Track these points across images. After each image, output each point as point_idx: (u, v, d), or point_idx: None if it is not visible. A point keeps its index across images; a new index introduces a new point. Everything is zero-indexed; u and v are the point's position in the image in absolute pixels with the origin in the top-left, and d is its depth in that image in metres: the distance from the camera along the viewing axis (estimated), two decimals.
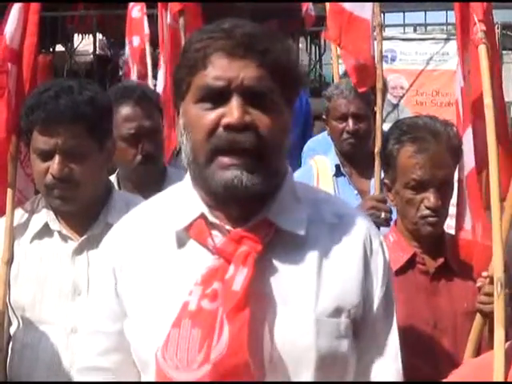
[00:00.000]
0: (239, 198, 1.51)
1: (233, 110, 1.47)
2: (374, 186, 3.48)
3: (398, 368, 1.66)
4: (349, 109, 3.56)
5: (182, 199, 1.61)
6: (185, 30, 3.88)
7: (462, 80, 2.43)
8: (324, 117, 3.74)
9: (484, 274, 2.28)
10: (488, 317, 2.25)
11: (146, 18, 5.73)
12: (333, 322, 1.54)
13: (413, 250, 2.49)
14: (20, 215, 2.44)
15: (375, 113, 3.52)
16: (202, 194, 1.57)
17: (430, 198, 2.43)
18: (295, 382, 1.52)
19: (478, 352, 2.27)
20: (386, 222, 3.10)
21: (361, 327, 1.60)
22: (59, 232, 2.34)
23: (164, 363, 1.48)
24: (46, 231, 2.36)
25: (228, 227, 1.54)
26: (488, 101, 2.13)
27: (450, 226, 2.65)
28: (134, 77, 5.67)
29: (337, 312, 1.55)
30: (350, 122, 3.55)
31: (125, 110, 3.00)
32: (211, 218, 1.56)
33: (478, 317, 2.31)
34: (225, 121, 1.47)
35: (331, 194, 1.94)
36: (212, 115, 1.49)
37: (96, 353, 1.67)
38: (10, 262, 2.38)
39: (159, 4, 4.38)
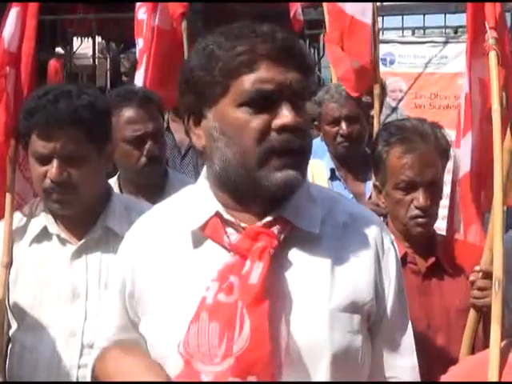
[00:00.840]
0: (281, 196, 1.56)
1: (287, 113, 1.51)
2: (369, 188, 3.51)
3: (413, 364, 1.69)
4: (341, 112, 3.58)
5: (196, 200, 1.64)
6: (187, 33, 3.88)
7: (468, 86, 2.45)
8: (316, 123, 3.73)
9: (476, 268, 2.30)
10: (481, 311, 2.29)
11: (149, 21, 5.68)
12: (346, 316, 1.57)
13: (404, 250, 2.51)
14: (19, 219, 2.44)
15: (371, 116, 3.53)
16: (219, 193, 1.60)
17: (419, 198, 2.46)
18: (304, 383, 1.54)
19: (472, 349, 2.28)
20: None
21: (375, 324, 1.63)
22: (58, 236, 2.34)
23: (189, 356, 1.51)
24: (44, 235, 2.36)
25: (243, 224, 1.57)
26: (495, 106, 2.17)
27: (440, 228, 2.68)
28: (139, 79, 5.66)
29: (350, 307, 1.58)
30: (343, 125, 3.56)
31: (128, 113, 3.00)
32: (226, 216, 1.58)
33: (472, 313, 2.34)
34: (278, 123, 1.51)
35: (342, 195, 1.98)
36: (259, 120, 1.52)
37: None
38: (9, 265, 2.39)
39: (147, 5, 4.34)
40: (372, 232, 1.66)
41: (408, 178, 2.47)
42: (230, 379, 1.47)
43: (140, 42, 5.76)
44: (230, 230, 1.58)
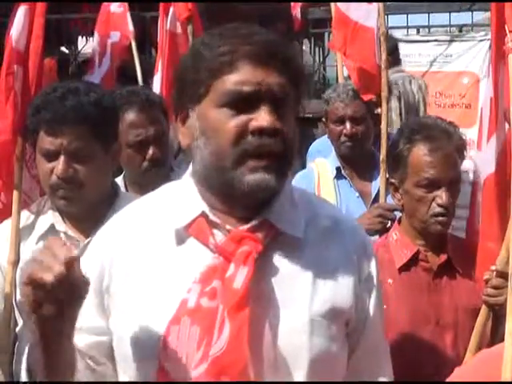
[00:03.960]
0: (255, 199, 1.54)
1: (264, 115, 1.49)
2: (375, 187, 3.51)
3: (390, 371, 1.72)
4: (346, 112, 3.58)
5: (181, 197, 1.62)
6: (193, 36, 3.89)
7: (493, 90, 2.47)
8: (324, 120, 3.76)
9: (492, 267, 2.31)
10: (493, 309, 2.30)
11: (129, 15, 5.63)
12: (326, 322, 1.57)
13: (416, 248, 2.52)
14: (26, 217, 2.45)
15: (378, 115, 3.53)
16: (205, 193, 1.59)
17: (442, 196, 2.47)
18: (295, 382, 1.54)
19: (480, 348, 2.29)
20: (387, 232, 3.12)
21: (355, 331, 1.64)
22: (65, 233, 2.35)
23: (164, 359, 1.50)
24: (52, 232, 2.36)
25: (228, 227, 1.56)
26: None
27: (456, 227, 2.69)
28: (97, 71, 5.64)
29: (330, 313, 1.58)
30: (348, 124, 3.57)
31: (130, 117, 2.99)
32: (212, 217, 1.57)
33: (482, 312, 2.35)
34: (255, 125, 1.49)
35: (325, 200, 1.98)
36: (237, 121, 1.50)
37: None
38: (16, 263, 2.40)
39: (160, 8, 4.37)
40: (354, 239, 1.67)
41: (432, 176, 2.47)
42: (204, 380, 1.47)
43: (114, 36, 5.72)
44: (215, 231, 1.57)
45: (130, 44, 5.42)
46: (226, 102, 1.51)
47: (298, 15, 6.28)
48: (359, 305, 1.63)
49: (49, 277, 1.37)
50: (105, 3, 5.80)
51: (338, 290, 1.60)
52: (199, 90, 1.54)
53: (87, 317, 1.60)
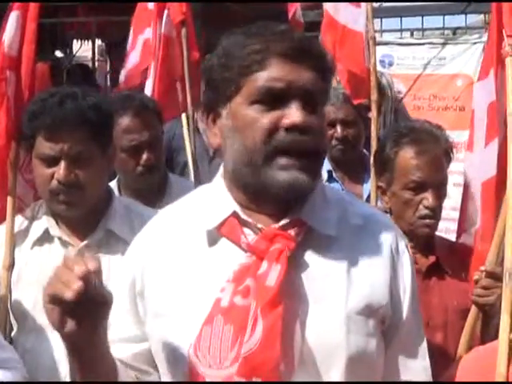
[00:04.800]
0: (288, 198, 1.54)
1: (296, 112, 1.50)
2: (366, 190, 3.53)
3: (426, 366, 1.70)
4: (337, 115, 3.60)
5: (212, 199, 1.63)
6: (187, 40, 3.88)
7: (495, 94, 2.48)
8: None
9: (482, 268, 2.32)
10: (483, 309, 2.31)
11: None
12: (362, 319, 1.56)
13: None
14: (20, 222, 2.45)
15: (369, 118, 3.54)
16: (236, 193, 1.59)
17: (428, 198, 2.49)
18: (307, 383, 1.53)
19: (470, 348, 2.30)
20: None
21: (390, 328, 1.63)
22: (59, 238, 2.35)
23: (196, 360, 1.50)
24: (46, 237, 2.37)
25: (260, 225, 1.57)
26: (510, 110, 2.21)
27: (448, 229, 2.70)
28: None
29: (366, 310, 1.57)
30: (339, 128, 3.59)
31: (124, 122, 2.99)
32: (244, 216, 1.58)
33: (472, 313, 2.36)
34: (287, 122, 1.50)
35: (354, 196, 1.97)
36: (269, 117, 1.51)
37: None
38: (10, 267, 2.40)
39: (154, 12, 4.35)
40: (387, 235, 1.65)
41: (419, 178, 2.49)
42: (236, 378, 1.47)
43: (147, 32, 5.64)
44: (246, 230, 1.57)
45: None
46: (257, 98, 1.52)
47: (299, 17, 6.24)
48: (394, 301, 1.62)
49: (69, 293, 1.37)
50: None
51: (374, 287, 1.59)
52: (230, 88, 1.55)
53: (125, 326, 1.65)
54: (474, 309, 2.36)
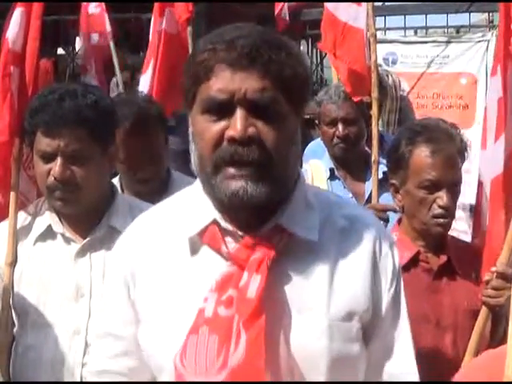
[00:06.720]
0: (245, 207, 1.51)
1: (236, 123, 1.46)
2: (368, 188, 3.53)
3: (412, 370, 1.66)
4: (338, 114, 3.60)
5: (193, 204, 1.61)
6: (192, 38, 3.88)
7: (501, 90, 2.47)
8: (316, 122, 3.76)
9: (493, 269, 2.32)
10: (493, 310, 2.31)
11: (106, 16, 5.67)
12: (345, 325, 1.55)
13: (416, 249, 2.53)
14: (23, 218, 2.45)
15: (371, 116, 3.54)
16: (212, 199, 1.57)
17: (443, 197, 2.47)
18: (306, 383, 1.52)
19: (479, 349, 2.29)
20: None
21: (369, 331, 1.61)
22: (62, 234, 2.35)
23: (183, 369, 1.49)
24: (49, 234, 2.37)
25: (241, 233, 1.55)
26: None
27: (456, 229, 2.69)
28: (92, 73, 5.69)
29: (349, 316, 1.56)
30: (340, 126, 3.58)
31: (123, 133, 2.80)
32: (224, 224, 1.55)
33: (482, 314, 2.35)
34: (228, 134, 1.47)
35: (341, 197, 1.95)
36: (216, 127, 1.49)
37: (107, 356, 1.69)
38: (13, 264, 2.40)
39: (155, 9, 4.35)
40: (370, 236, 1.62)
41: (434, 177, 2.48)
42: None
43: (94, 37, 5.74)
44: (228, 238, 1.56)
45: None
46: (206, 108, 1.50)
47: (284, 16, 6.24)
48: (375, 303, 1.60)
49: None
50: (84, 3, 5.85)
51: (356, 292, 1.57)
52: (188, 96, 1.54)
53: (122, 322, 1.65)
54: (484, 310, 2.35)
